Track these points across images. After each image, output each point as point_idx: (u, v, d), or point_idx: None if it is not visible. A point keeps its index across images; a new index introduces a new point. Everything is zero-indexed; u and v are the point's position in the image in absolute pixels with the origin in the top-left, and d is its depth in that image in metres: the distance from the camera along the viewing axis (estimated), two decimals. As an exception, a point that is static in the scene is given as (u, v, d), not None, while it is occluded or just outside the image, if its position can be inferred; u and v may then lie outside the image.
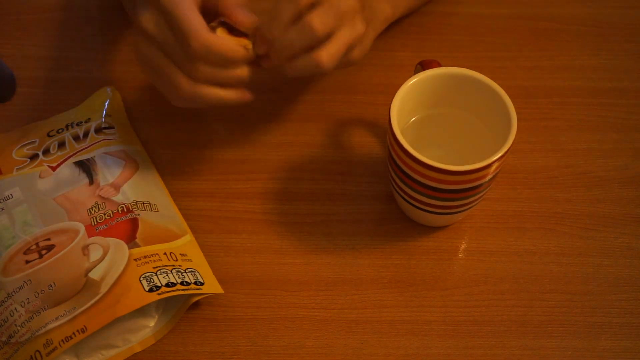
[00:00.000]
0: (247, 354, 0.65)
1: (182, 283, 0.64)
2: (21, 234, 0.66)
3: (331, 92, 0.80)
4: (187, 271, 0.65)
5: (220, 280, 0.67)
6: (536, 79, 0.82)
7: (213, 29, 0.64)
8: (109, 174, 0.69)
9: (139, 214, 0.67)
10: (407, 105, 0.68)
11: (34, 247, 0.65)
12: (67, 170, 0.69)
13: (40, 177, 0.69)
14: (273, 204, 0.73)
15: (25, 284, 0.63)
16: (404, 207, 0.71)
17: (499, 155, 0.63)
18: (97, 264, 0.64)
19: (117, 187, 0.69)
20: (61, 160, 0.70)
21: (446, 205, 0.67)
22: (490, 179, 0.66)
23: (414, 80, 0.68)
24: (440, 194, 0.65)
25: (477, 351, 0.65)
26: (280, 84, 0.81)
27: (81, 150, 0.71)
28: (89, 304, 0.62)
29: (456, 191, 0.65)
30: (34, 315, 0.62)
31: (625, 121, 0.79)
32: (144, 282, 0.63)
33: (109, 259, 0.64)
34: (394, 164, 0.66)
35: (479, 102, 0.69)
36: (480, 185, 0.65)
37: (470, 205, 0.68)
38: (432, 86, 0.69)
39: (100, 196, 0.68)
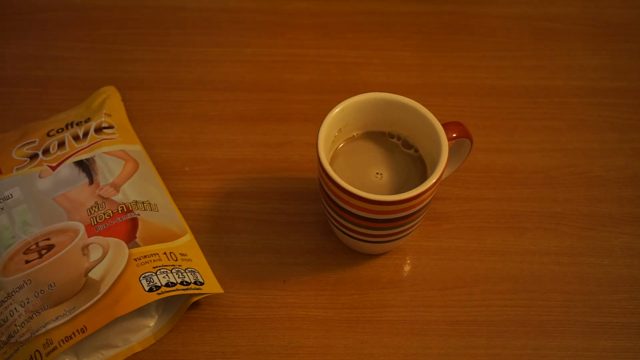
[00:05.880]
0: (247, 354, 0.65)
1: (182, 283, 0.64)
2: (21, 234, 0.66)
3: (331, 92, 0.80)
4: (187, 271, 0.65)
5: (220, 280, 0.67)
6: (536, 79, 0.82)
7: None
8: (108, 173, 0.69)
9: (138, 214, 0.67)
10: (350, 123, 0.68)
11: (33, 247, 0.65)
12: (66, 170, 0.69)
13: (40, 176, 0.69)
14: (273, 204, 0.73)
15: (25, 284, 0.63)
16: (342, 238, 0.69)
17: (432, 182, 0.62)
18: (97, 263, 0.64)
19: (116, 187, 0.69)
20: (61, 160, 0.70)
21: (382, 234, 0.66)
22: (424, 206, 0.64)
23: (339, 107, 0.66)
24: (372, 223, 0.64)
25: (477, 351, 0.65)
26: (279, 83, 0.81)
27: (81, 150, 0.71)
28: (88, 304, 0.62)
29: (387, 220, 0.63)
30: (34, 315, 0.62)
31: (625, 121, 0.79)
32: (144, 282, 0.63)
33: (109, 258, 0.64)
34: (326, 195, 0.65)
35: (413, 127, 0.67)
36: (413, 213, 0.64)
37: (407, 233, 0.67)
38: (364, 110, 0.67)
39: (100, 196, 0.68)
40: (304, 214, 0.72)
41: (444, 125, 0.65)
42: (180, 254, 0.67)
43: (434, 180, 0.62)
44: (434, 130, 0.65)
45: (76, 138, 0.72)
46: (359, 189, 0.62)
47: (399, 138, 0.69)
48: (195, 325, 0.66)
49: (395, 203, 0.61)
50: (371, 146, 0.69)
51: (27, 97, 0.80)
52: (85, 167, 0.70)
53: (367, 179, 0.67)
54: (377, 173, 0.67)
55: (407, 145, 0.69)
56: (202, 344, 0.66)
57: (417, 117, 0.66)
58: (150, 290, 0.63)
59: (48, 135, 0.72)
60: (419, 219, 0.66)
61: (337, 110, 0.66)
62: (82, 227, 0.66)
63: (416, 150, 0.68)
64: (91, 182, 0.69)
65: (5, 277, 0.64)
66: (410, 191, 0.61)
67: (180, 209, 0.72)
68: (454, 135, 0.66)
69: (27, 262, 0.64)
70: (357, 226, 0.65)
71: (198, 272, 0.66)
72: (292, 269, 0.69)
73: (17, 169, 0.70)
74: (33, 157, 0.71)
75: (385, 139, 0.69)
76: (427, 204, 0.65)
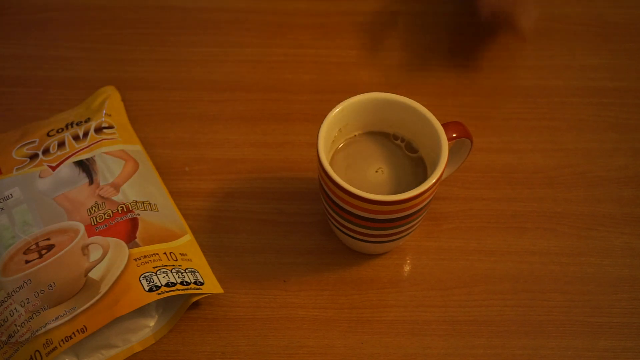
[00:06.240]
0: (247, 354, 0.65)
1: (182, 283, 0.64)
2: (21, 234, 0.66)
3: (331, 92, 0.80)
4: (187, 271, 0.65)
5: (220, 280, 0.67)
6: (536, 79, 0.82)
7: None
8: (108, 173, 0.70)
9: (138, 214, 0.67)
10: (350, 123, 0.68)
11: (33, 246, 0.65)
12: (67, 170, 0.69)
13: (40, 176, 0.69)
14: (273, 204, 0.73)
15: (25, 284, 0.63)
16: (342, 238, 0.69)
17: (432, 182, 0.62)
18: (97, 263, 0.64)
19: (116, 187, 0.69)
20: (61, 160, 0.70)
21: (382, 234, 0.65)
22: (424, 206, 0.64)
23: (339, 107, 0.66)
24: (372, 223, 0.64)
25: (477, 351, 0.65)
26: (279, 83, 0.81)
27: (81, 150, 0.71)
28: (88, 304, 0.62)
29: (387, 220, 0.63)
30: (34, 315, 0.62)
31: (625, 121, 0.79)
32: (144, 282, 0.63)
33: (109, 258, 0.64)
34: (325, 195, 0.65)
35: (412, 126, 0.68)
36: (413, 213, 0.64)
37: (407, 233, 0.67)
38: (364, 110, 0.67)
39: (100, 196, 0.68)
40: (304, 214, 0.72)
41: (444, 125, 0.65)
42: (180, 254, 0.67)
43: (433, 180, 0.62)
44: (434, 130, 0.65)
45: (76, 138, 0.72)
46: (358, 189, 0.62)
47: (402, 140, 0.69)
48: (195, 325, 0.66)
49: (395, 203, 0.61)
50: (372, 146, 0.69)
51: (27, 97, 0.80)
52: (85, 167, 0.70)
53: (367, 179, 0.66)
54: (378, 169, 0.67)
55: (411, 148, 0.68)
56: (202, 344, 0.66)
57: (417, 117, 0.66)
58: (150, 290, 0.63)
59: (48, 135, 0.72)
60: (419, 219, 0.66)
61: (337, 110, 0.66)
62: (82, 227, 0.66)
63: (417, 151, 0.68)
64: (91, 182, 0.69)
65: (5, 277, 0.64)
66: (410, 191, 0.61)
67: (180, 209, 0.72)
68: (454, 135, 0.66)
69: (27, 262, 0.64)
70: (357, 226, 0.65)
71: (198, 272, 0.66)
72: (292, 269, 0.69)
73: (17, 169, 0.70)
74: (33, 157, 0.71)
75: (387, 139, 0.69)
76: (427, 204, 0.65)
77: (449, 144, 0.64)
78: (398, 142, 0.69)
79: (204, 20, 0.86)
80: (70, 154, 0.71)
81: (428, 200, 0.64)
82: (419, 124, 0.66)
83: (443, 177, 0.65)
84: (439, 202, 0.73)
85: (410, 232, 0.67)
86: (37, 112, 0.78)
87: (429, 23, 0.87)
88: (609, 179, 0.75)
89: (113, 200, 0.68)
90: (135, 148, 0.74)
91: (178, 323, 0.66)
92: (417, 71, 0.83)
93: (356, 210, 0.63)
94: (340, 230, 0.67)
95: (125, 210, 0.67)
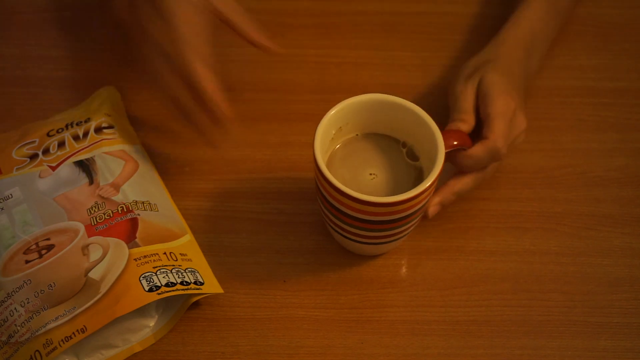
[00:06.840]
0: (247, 354, 0.65)
1: (181, 283, 0.64)
2: (21, 234, 0.66)
3: (331, 92, 0.80)
4: (187, 271, 0.65)
5: (220, 280, 0.67)
6: (536, 79, 0.82)
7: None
8: (108, 173, 0.69)
9: (138, 214, 0.67)
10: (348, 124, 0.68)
11: (33, 246, 0.65)
12: (67, 170, 0.69)
13: (40, 176, 0.69)
14: (273, 204, 0.73)
15: (25, 284, 0.63)
16: (338, 239, 0.69)
17: (426, 185, 0.62)
18: (97, 263, 0.64)
19: (116, 187, 0.69)
20: (61, 160, 0.70)
21: (375, 236, 0.65)
22: (419, 209, 0.64)
23: (336, 108, 0.66)
24: (367, 225, 0.64)
25: (477, 351, 0.65)
26: (279, 83, 0.81)
27: (81, 150, 0.71)
28: (88, 304, 0.62)
29: (382, 222, 0.63)
30: (34, 315, 0.62)
31: (625, 121, 0.79)
32: (144, 282, 0.63)
33: (109, 258, 0.64)
34: (321, 195, 0.65)
35: (411, 129, 0.67)
36: (408, 215, 0.64)
37: (402, 235, 0.67)
38: (362, 111, 0.67)
39: (100, 196, 0.68)
40: (304, 214, 0.72)
41: (445, 133, 0.65)
42: (180, 254, 0.67)
43: (429, 183, 0.62)
44: (431, 133, 0.64)
45: (76, 138, 0.72)
46: (354, 190, 0.61)
47: (404, 145, 0.68)
48: (195, 325, 0.66)
49: (389, 205, 0.61)
50: (370, 148, 0.69)
51: (27, 97, 0.80)
52: (85, 167, 0.70)
53: (363, 180, 0.66)
54: (371, 174, 0.67)
55: (412, 155, 0.68)
56: (202, 344, 0.66)
57: (414, 119, 0.66)
58: (150, 290, 0.63)
59: (48, 135, 0.72)
60: (413, 222, 0.66)
61: (334, 110, 0.66)
62: (82, 227, 0.66)
63: (417, 158, 0.68)
64: (91, 182, 0.69)
65: (5, 277, 0.64)
66: (405, 193, 0.61)
67: (180, 209, 0.72)
68: (455, 143, 0.65)
69: (27, 262, 0.64)
70: (352, 227, 0.65)
71: (198, 272, 0.66)
72: (292, 269, 0.69)
73: (17, 169, 0.70)
74: (33, 157, 0.71)
75: (386, 141, 0.69)
76: (422, 206, 0.64)
77: (449, 151, 0.64)
78: (399, 146, 0.68)
79: (204, 20, 0.86)
80: (70, 154, 0.71)
81: (423, 202, 0.64)
82: (416, 127, 0.66)
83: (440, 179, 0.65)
84: (439, 202, 0.73)
85: (405, 235, 0.67)
86: (37, 112, 0.78)
87: (429, 23, 0.87)
88: (609, 179, 0.75)
89: (113, 200, 0.68)
90: (135, 148, 0.74)
91: (178, 323, 0.66)
92: (417, 71, 0.83)
93: (351, 211, 0.63)
94: (336, 231, 0.67)
95: (125, 210, 0.67)
